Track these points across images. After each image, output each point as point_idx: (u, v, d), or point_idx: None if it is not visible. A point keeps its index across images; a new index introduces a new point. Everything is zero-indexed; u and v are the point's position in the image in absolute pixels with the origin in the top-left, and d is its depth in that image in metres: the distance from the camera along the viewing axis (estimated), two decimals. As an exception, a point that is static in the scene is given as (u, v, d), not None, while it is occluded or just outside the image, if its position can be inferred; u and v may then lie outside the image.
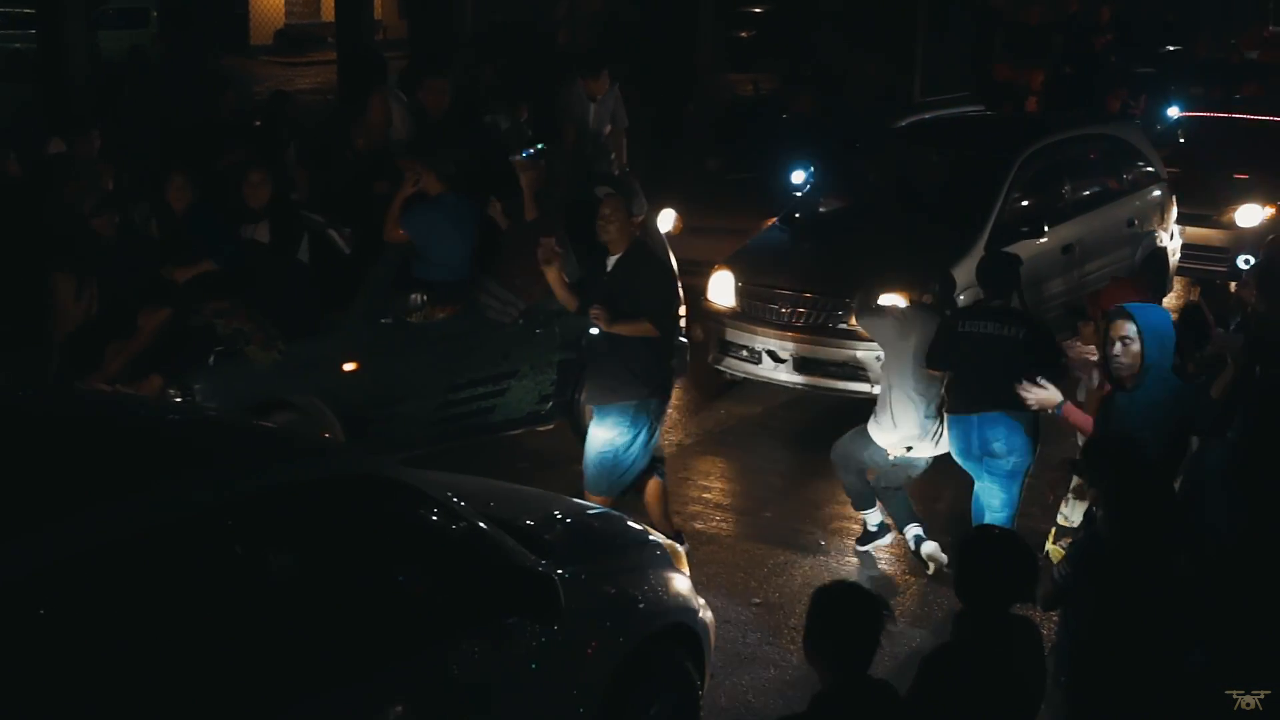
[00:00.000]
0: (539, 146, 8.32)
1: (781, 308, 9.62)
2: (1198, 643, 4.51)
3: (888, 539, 7.62)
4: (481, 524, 4.60)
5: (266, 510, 4.07)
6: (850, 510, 7.83)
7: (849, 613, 3.86)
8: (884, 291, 7.78)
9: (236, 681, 3.77)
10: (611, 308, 6.94)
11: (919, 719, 3.96)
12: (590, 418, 7.34)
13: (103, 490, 3.85)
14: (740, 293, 9.94)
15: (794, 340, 9.51)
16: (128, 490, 3.87)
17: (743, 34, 25.33)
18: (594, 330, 7.28)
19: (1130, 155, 11.74)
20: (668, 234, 11.39)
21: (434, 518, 4.53)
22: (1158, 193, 11.78)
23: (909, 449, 7.25)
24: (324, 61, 17.59)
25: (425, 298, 7.91)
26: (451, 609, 4.44)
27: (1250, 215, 12.57)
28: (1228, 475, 5.61)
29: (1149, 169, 11.81)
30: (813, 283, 9.61)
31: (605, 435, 7.06)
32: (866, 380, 9.07)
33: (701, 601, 5.59)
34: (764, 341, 9.66)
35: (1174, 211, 11.91)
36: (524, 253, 7.78)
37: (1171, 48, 21.53)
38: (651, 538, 5.69)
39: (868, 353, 8.93)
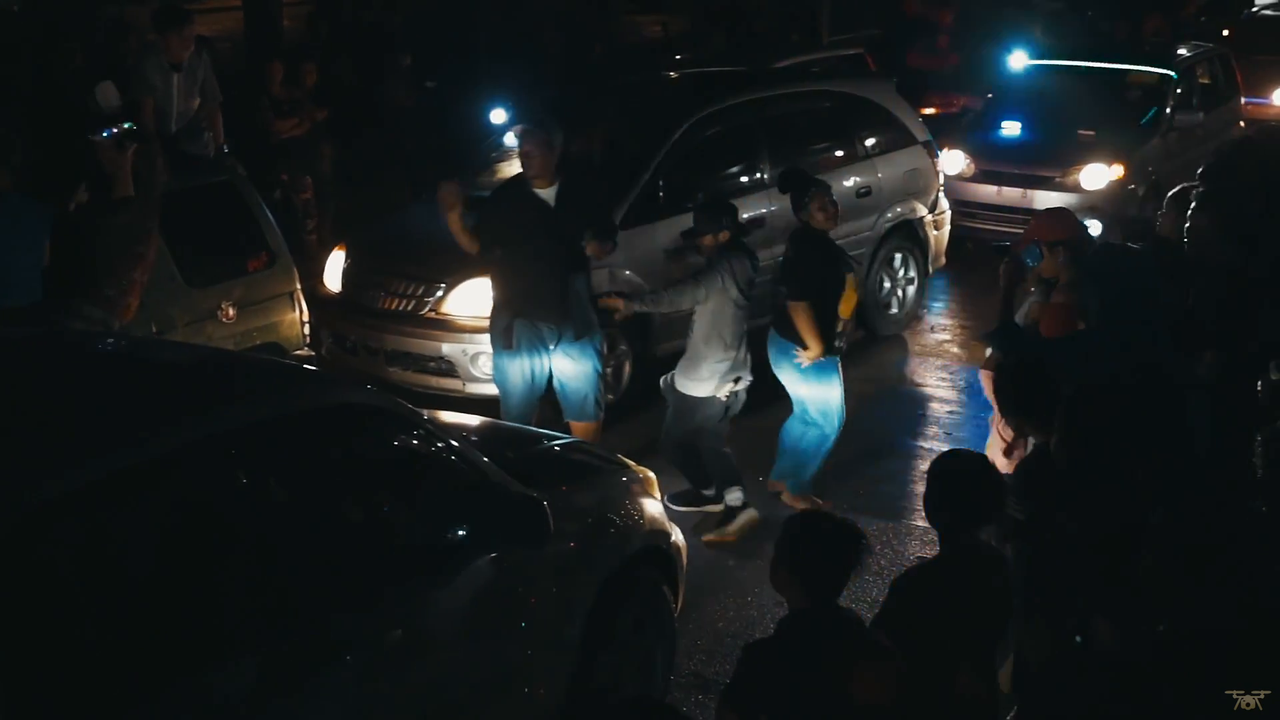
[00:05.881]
0: (126, 125, 7.05)
1: (375, 293, 8.64)
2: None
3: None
4: (469, 452, 4.74)
5: (257, 442, 4.11)
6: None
7: (824, 541, 3.91)
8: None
9: (250, 611, 3.92)
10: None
11: (888, 639, 4.01)
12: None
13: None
14: (345, 275, 8.94)
15: (384, 331, 8.53)
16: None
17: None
18: None
19: (871, 116, 10.52)
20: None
21: (424, 447, 4.67)
22: (911, 157, 10.57)
23: (737, 380, 7.17)
24: (223, 9, 17.60)
25: None
26: (444, 536, 4.58)
27: (1095, 176, 11.80)
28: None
29: (900, 131, 10.61)
30: (406, 265, 8.61)
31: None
32: (457, 377, 8.34)
33: (673, 525, 5.81)
34: (358, 332, 8.67)
35: (937, 177, 10.79)
36: (114, 255, 6.71)
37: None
38: (625, 464, 5.86)
39: (454, 346, 8.26)
